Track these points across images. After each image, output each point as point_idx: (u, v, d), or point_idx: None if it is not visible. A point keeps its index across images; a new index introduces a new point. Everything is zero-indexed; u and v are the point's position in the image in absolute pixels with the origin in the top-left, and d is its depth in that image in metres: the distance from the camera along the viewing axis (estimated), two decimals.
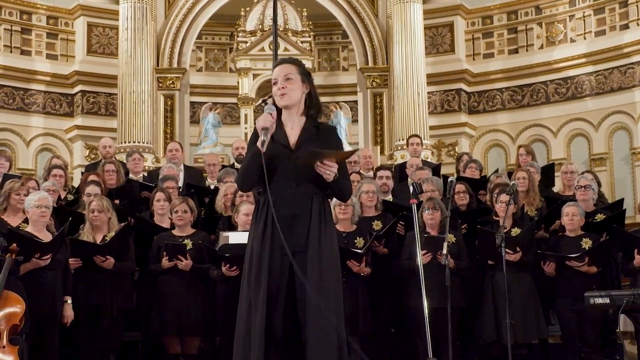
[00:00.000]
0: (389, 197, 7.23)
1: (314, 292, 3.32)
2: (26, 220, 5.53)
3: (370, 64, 12.11)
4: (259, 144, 3.38)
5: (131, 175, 8.27)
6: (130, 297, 5.97)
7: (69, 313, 5.35)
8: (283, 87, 3.55)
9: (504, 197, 5.89)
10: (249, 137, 3.97)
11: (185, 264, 5.71)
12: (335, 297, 3.44)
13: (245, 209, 5.75)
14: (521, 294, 5.73)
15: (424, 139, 10.73)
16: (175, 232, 5.98)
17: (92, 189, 6.51)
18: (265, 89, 11.23)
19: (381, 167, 7.85)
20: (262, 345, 3.33)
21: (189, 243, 5.79)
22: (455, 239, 5.82)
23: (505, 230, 5.63)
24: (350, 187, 3.69)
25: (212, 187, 7.97)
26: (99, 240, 5.72)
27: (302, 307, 3.39)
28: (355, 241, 5.78)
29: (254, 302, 3.39)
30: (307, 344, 3.35)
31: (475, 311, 5.94)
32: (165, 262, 5.73)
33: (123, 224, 5.96)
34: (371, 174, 8.15)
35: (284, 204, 3.44)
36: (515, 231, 5.91)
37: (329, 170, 3.41)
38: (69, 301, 5.37)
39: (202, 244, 5.77)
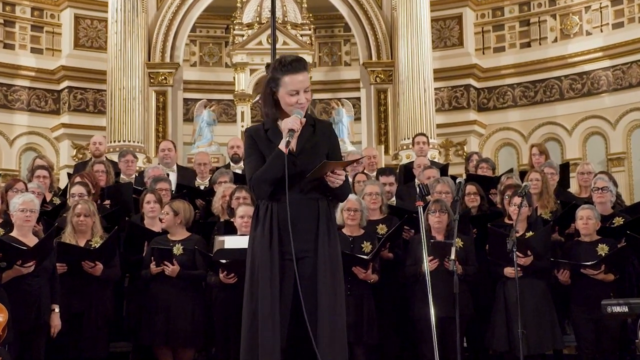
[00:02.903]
0: (393, 200, 7.20)
1: (326, 297, 3.46)
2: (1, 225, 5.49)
3: (374, 58, 12.12)
4: (282, 145, 3.47)
5: (122, 177, 8.25)
6: (114, 306, 5.94)
7: (56, 322, 5.32)
8: (306, 100, 3.61)
9: (517, 200, 5.83)
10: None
11: (172, 269, 5.68)
12: (341, 303, 3.56)
13: (242, 212, 5.74)
14: (535, 301, 5.70)
15: (431, 137, 10.72)
16: (170, 235, 5.96)
17: (77, 189, 6.45)
18: (263, 85, 11.21)
19: (383, 172, 7.64)
20: (278, 353, 3.43)
21: (179, 248, 5.77)
22: (463, 243, 5.80)
23: (518, 235, 5.61)
24: (348, 187, 3.80)
25: (201, 187, 7.96)
26: (82, 245, 5.69)
27: (311, 313, 3.45)
28: (362, 245, 5.75)
29: (261, 311, 3.46)
30: (318, 351, 3.41)
31: (485, 319, 5.93)
32: (152, 267, 5.73)
33: (112, 228, 5.95)
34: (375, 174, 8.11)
35: (288, 209, 3.48)
36: (530, 235, 5.89)
37: (338, 179, 3.52)
38: (57, 310, 5.33)
39: (196, 249, 5.76)
